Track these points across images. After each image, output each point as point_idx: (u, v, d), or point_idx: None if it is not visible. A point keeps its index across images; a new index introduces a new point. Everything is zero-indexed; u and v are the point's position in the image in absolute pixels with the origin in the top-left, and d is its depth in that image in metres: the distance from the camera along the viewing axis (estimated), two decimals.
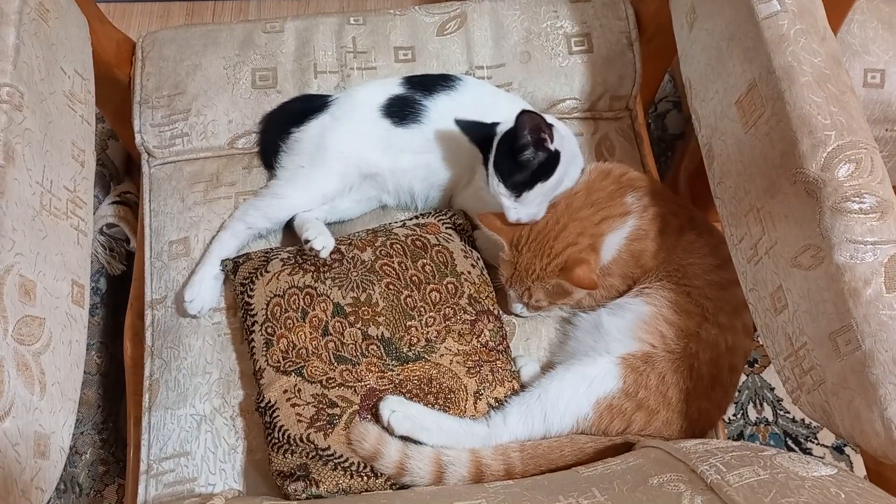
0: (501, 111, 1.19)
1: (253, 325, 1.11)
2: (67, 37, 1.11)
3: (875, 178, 0.84)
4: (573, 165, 1.17)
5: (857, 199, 0.83)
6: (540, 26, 1.37)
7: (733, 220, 1.02)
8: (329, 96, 1.29)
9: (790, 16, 0.93)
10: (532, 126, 1.07)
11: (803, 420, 1.60)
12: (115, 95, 1.37)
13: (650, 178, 1.24)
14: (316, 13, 1.46)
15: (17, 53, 0.96)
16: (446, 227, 1.20)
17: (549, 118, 1.13)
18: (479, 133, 1.15)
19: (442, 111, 1.22)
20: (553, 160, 1.10)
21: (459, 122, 1.16)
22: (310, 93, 1.33)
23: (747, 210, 0.98)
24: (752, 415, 1.61)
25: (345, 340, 1.08)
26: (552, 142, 1.09)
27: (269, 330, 1.09)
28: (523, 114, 1.06)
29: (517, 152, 1.08)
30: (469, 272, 1.16)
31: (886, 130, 1.39)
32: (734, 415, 1.61)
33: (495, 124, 1.14)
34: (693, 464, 0.81)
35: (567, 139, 1.15)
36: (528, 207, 1.11)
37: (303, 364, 1.06)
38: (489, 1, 1.40)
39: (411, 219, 1.24)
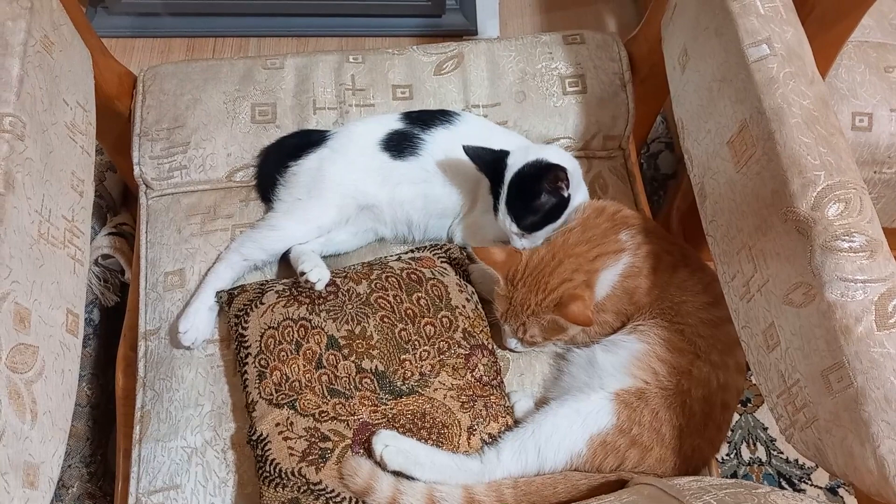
0: (498, 144, 1.21)
1: (246, 356, 1.11)
2: (71, 69, 1.13)
3: (864, 217, 0.86)
4: (577, 197, 1.20)
5: (846, 237, 0.84)
6: (535, 67, 1.40)
7: (725, 258, 1.03)
8: (327, 131, 1.31)
9: (779, 59, 0.96)
10: (553, 178, 1.13)
11: (797, 460, 1.59)
12: (114, 127, 1.38)
13: (643, 216, 1.26)
14: (316, 51, 1.48)
15: (20, 84, 0.97)
16: (441, 261, 1.21)
17: (567, 157, 1.20)
18: (487, 160, 1.18)
19: (440, 143, 1.24)
20: (564, 204, 1.16)
21: (467, 149, 1.18)
22: (308, 128, 1.34)
23: (739, 248, 0.99)
24: (746, 454, 1.60)
25: (338, 373, 1.07)
26: (567, 188, 1.14)
27: (263, 362, 1.09)
28: (552, 168, 1.12)
29: (532, 197, 1.13)
30: (464, 306, 1.16)
31: (875, 173, 1.41)
32: (727, 454, 1.60)
33: (504, 153, 1.18)
34: (687, 501, 0.80)
35: (576, 179, 1.19)
36: (535, 241, 1.17)
37: (296, 397, 1.06)
38: (485, 42, 1.43)
39: (407, 252, 1.25)
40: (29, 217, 0.94)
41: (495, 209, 1.17)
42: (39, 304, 0.93)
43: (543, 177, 1.13)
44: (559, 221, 1.17)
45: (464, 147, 1.17)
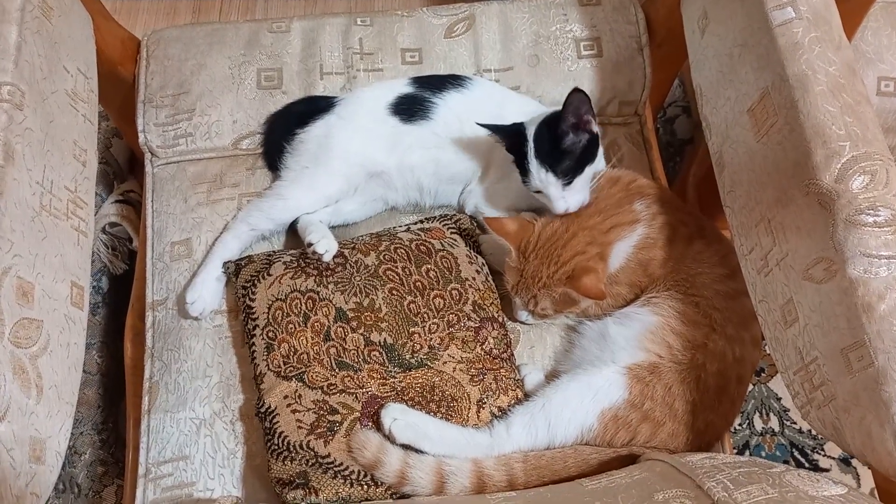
0: (512, 109, 1.18)
1: (254, 328, 1.10)
2: (71, 35, 1.10)
3: (890, 190, 0.83)
4: (595, 164, 1.16)
5: (871, 211, 0.81)
6: (549, 30, 1.36)
7: (743, 231, 1.00)
8: (334, 97, 1.28)
9: (805, 23, 0.92)
10: (580, 107, 1.07)
11: (810, 431, 1.58)
12: (119, 94, 1.36)
13: (659, 186, 1.22)
14: (323, 13, 1.45)
15: (18, 52, 0.95)
16: (451, 233, 1.19)
17: None
18: (505, 129, 1.14)
19: (452, 107, 1.21)
20: (595, 141, 1.11)
21: (481, 124, 1.14)
22: (315, 94, 1.31)
23: (758, 220, 0.96)
24: (759, 425, 1.59)
25: (347, 346, 1.06)
26: (595, 121, 1.10)
27: (271, 334, 1.08)
28: (575, 92, 1.05)
29: (561, 138, 1.08)
30: (474, 278, 1.14)
31: None
32: (740, 424, 1.59)
33: (520, 123, 1.13)
34: (700, 480, 0.79)
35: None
36: (577, 194, 1.10)
37: (304, 369, 1.05)
38: (498, 3, 1.39)
39: (416, 223, 1.22)
40: (30, 189, 0.92)
41: (524, 176, 1.11)
42: (43, 277, 0.91)
43: (565, 113, 1.06)
44: (597, 162, 1.12)
45: (477, 123, 1.14)
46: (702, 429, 1.04)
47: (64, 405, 0.92)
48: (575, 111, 1.07)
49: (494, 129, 1.14)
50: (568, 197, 1.10)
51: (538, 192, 1.12)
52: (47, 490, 0.88)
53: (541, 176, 1.09)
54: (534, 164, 1.09)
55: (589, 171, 1.11)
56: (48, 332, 0.90)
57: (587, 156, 1.10)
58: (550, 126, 1.09)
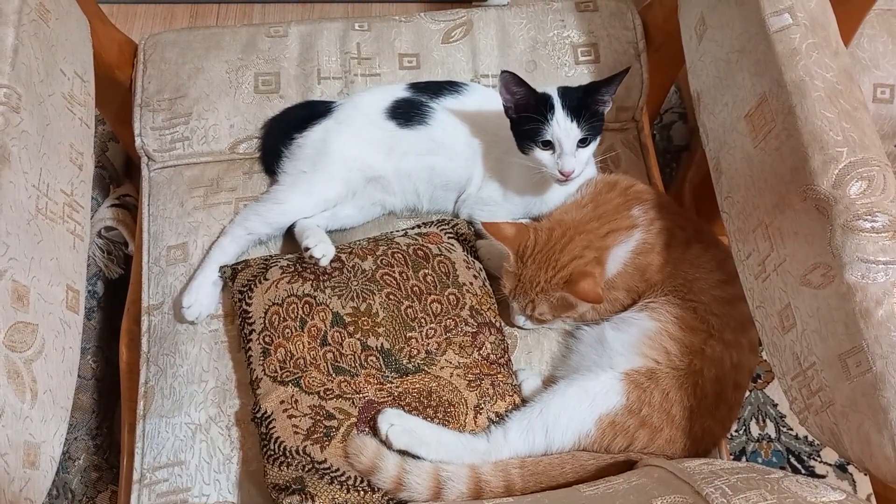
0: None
1: (250, 333, 1.09)
2: (68, 38, 1.09)
3: (887, 196, 0.83)
4: (585, 172, 1.17)
5: (869, 217, 0.81)
6: (546, 35, 1.36)
7: (741, 236, 1.00)
8: (332, 102, 1.28)
9: (802, 29, 0.92)
10: (616, 86, 1.11)
11: (806, 437, 1.58)
12: (115, 97, 1.35)
13: (656, 191, 1.23)
14: (320, 18, 1.45)
15: (15, 54, 0.94)
16: (448, 237, 1.18)
17: None
18: (530, 91, 1.12)
19: (449, 112, 1.21)
20: (602, 124, 1.12)
21: (506, 71, 1.11)
22: (313, 99, 1.31)
23: (755, 226, 0.96)
24: (755, 431, 1.59)
25: (343, 351, 1.06)
26: (607, 107, 1.13)
27: (267, 339, 1.07)
28: (626, 72, 1.12)
29: (594, 102, 1.10)
30: (471, 283, 1.14)
31: (895, 146, 1.37)
32: (736, 431, 1.59)
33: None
34: (698, 486, 0.79)
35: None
36: (582, 162, 1.11)
37: (300, 374, 1.04)
38: (495, 9, 1.39)
39: (413, 228, 1.22)
40: (26, 192, 0.92)
41: (527, 140, 1.11)
42: (38, 280, 0.91)
43: (611, 83, 1.10)
44: (595, 144, 1.13)
45: (503, 71, 1.11)
46: (699, 435, 1.03)
47: (59, 410, 0.91)
48: (614, 86, 1.10)
49: (520, 81, 1.11)
50: (578, 157, 1.10)
51: (545, 151, 1.10)
52: (41, 496, 0.87)
53: (565, 124, 1.08)
54: (559, 112, 1.08)
55: (594, 147, 1.13)
56: (43, 336, 0.89)
57: (598, 130, 1.12)
58: (577, 90, 1.11)
